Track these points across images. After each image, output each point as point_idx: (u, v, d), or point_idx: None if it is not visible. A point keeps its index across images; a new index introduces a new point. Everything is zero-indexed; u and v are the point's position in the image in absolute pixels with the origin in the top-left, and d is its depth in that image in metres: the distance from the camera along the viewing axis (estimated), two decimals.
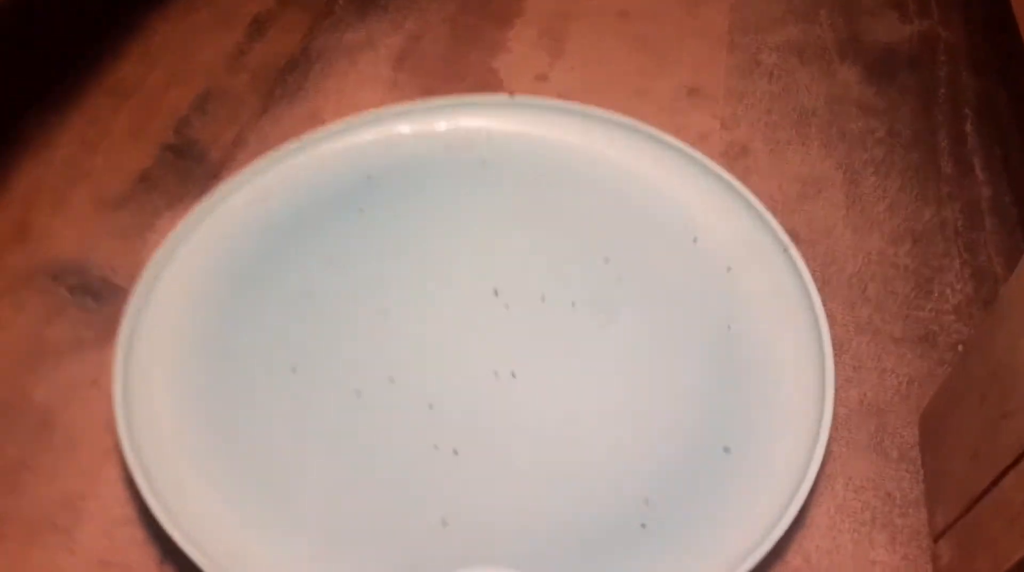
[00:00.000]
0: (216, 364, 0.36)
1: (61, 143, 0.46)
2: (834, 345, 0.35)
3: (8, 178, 0.44)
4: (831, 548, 0.31)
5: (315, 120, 0.47)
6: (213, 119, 0.48)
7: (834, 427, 0.32)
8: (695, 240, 0.40)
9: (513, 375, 0.35)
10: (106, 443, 0.34)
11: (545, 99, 0.45)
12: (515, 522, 0.31)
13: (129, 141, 0.46)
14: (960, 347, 0.37)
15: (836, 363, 0.34)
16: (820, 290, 0.36)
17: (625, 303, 0.38)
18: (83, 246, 0.41)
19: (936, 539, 0.30)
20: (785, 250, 0.38)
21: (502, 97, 0.45)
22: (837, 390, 0.33)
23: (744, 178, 0.43)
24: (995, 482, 0.26)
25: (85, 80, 0.49)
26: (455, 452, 0.33)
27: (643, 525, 0.31)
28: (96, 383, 0.36)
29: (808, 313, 0.35)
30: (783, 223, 0.40)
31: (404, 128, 0.45)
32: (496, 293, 0.38)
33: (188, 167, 0.45)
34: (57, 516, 0.32)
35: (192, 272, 0.38)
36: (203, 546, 0.29)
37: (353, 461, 0.33)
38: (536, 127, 0.45)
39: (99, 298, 0.39)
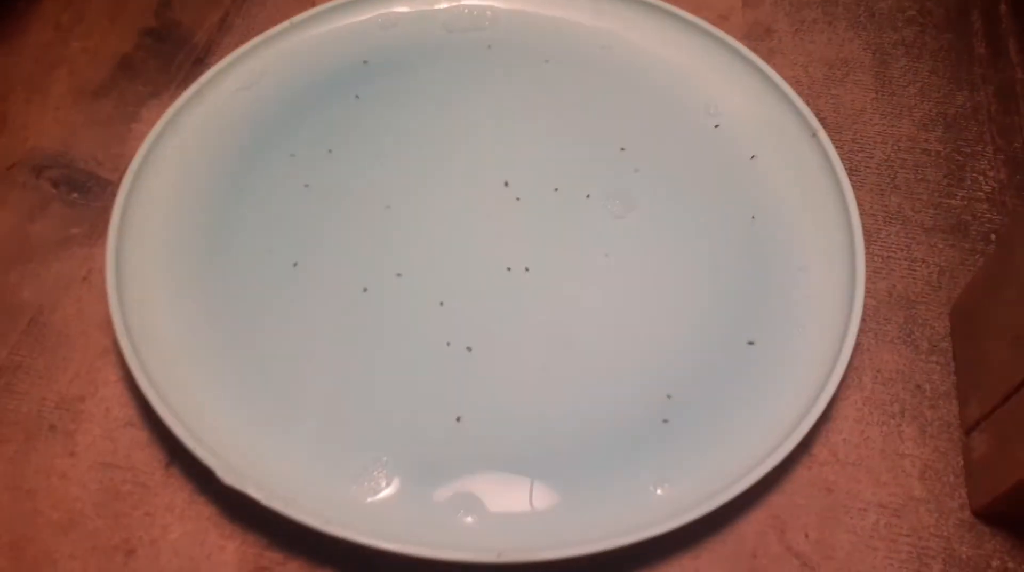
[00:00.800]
0: (213, 259, 0.34)
1: (33, 29, 0.43)
2: (863, 234, 0.33)
3: None
4: (859, 441, 0.30)
5: (304, 2, 0.44)
6: (194, 1, 0.44)
7: (862, 319, 0.31)
8: (717, 126, 0.37)
9: (527, 270, 0.34)
10: (102, 343, 0.32)
11: None
12: (532, 420, 0.30)
13: (106, 25, 0.43)
14: (993, 236, 0.35)
15: (865, 254, 0.32)
16: (848, 178, 0.34)
17: (643, 194, 0.36)
18: (65, 137, 0.39)
19: (968, 431, 0.29)
20: (814, 135, 0.35)
21: None
22: (866, 281, 0.31)
23: (768, 60, 0.40)
24: None
25: None
26: (468, 349, 0.32)
27: (665, 421, 0.30)
28: (87, 280, 0.34)
29: (838, 202, 0.34)
30: (809, 106, 0.38)
31: (401, 7, 0.42)
32: (506, 185, 0.36)
33: (171, 52, 0.42)
34: (56, 419, 0.31)
35: (182, 163, 0.36)
36: (210, 445, 0.28)
37: (363, 358, 0.31)
38: (544, 5, 0.41)
39: (85, 191, 0.37)
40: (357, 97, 0.39)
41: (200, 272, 0.33)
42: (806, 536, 0.28)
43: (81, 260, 0.35)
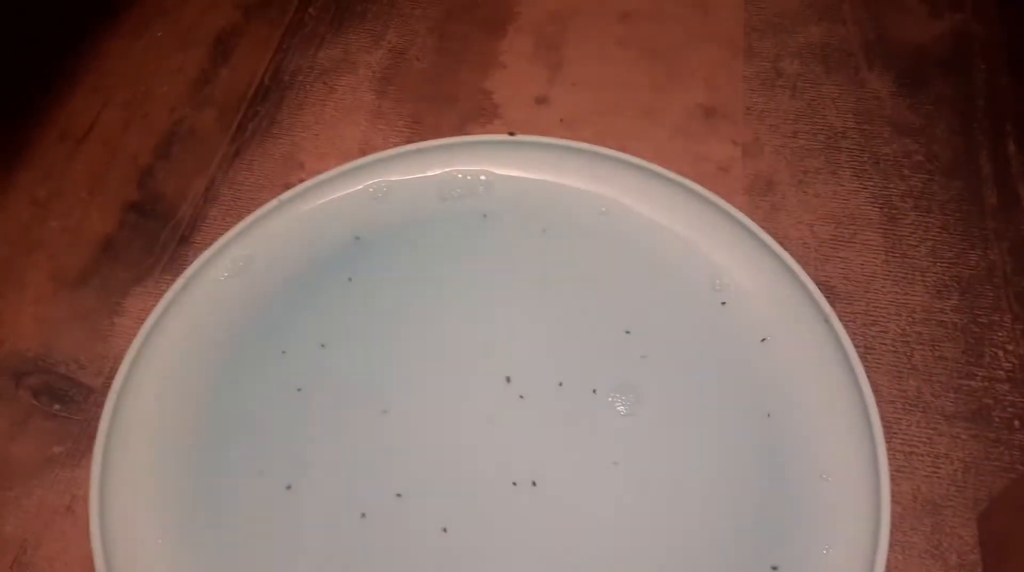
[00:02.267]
0: (204, 486, 0.32)
1: (7, 206, 0.41)
2: (883, 428, 0.31)
3: None
4: None
5: (292, 163, 0.43)
6: (179, 166, 0.43)
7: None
8: (724, 303, 0.36)
9: (533, 484, 0.32)
10: None
11: (546, 138, 0.40)
12: None
13: (86, 199, 0.42)
14: (1017, 423, 0.34)
15: (887, 451, 0.31)
16: (863, 358, 0.33)
17: (651, 387, 0.34)
18: (44, 337, 0.37)
19: None
20: (826, 321, 0.34)
21: (500, 136, 0.41)
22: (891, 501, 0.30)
23: (771, 218, 0.39)
24: None
25: (32, 121, 0.44)
26: None
27: None
28: (71, 510, 0.33)
29: (855, 397, 0.32)
30: (817, 273, 0.37)
31: (393, 175, 0.40)
32: (508, 380, 0.35)
33: (154, 229, 0.40)
34: None
35: (169, 372, 0.34)
36: None
37: None
38: (540, 170, 0.40)
39: (67, 402, 0.35)
40: (350, 279, 0.38)
41: (189, 502, 0.32)
42: None
43: (65, 485, 0.33)
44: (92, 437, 0.33)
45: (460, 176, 0.40)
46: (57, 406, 0.35)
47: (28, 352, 0.36)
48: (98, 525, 0.30)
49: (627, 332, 0.36)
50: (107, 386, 0.34)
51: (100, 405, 0.34)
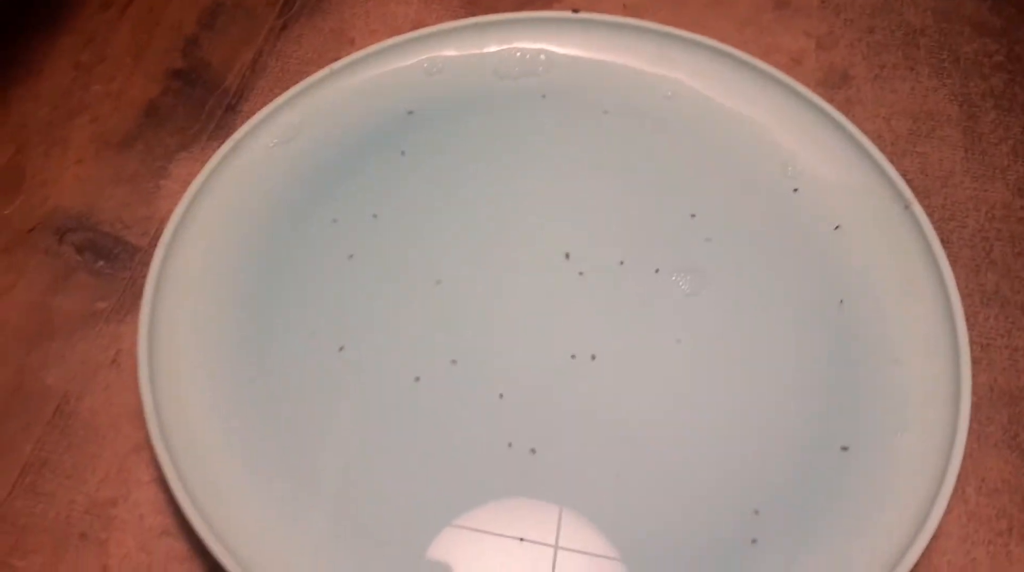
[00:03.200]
0: (252, 343, 0.31)
1: (50, 70, 0.40)
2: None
3: None
4: (964, 563, 0.27)
5: (342, 38, 0.41)
6: (224, 37, 0.41)
7: None
8: (796, 190, 0.34)
9: (593, 357, 0.31)
10: (134, 438, 0.30)
11: (612, 16, 0.38)
12: (601, 537, 0.27)
13: (130, 65, 0.40)
14: None
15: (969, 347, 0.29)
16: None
17: (716, 269, 0.33)
18: (88, 196, 0.36)
19: None
20: (907, 206, 0.32)
21: (563, 13, 0.39)
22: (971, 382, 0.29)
23: (846, 111, 0.37)
24: None
25: None
26: (532, 451, 0.29)
27: (753, 540, 0.27)
28: (116, 363, 0.32)
29: (935, 284, 0.31)
30: (894, 167, 0.35)
31: (448, 51, 0.39)
32: (567, 257, 0.33)
33: (200, 97, 0.39)
34: (87, 526, 0.28)
35: (216, 235, 0.33)
36: (252, 566, 0.26)
37: (417, 462, 0.29)
38: (603, 50, 0.38)
39: (111, 259, 0.34)
40: (403, 153, 0.36)
41: (241, 358, 0.31)
42: None
43: (109, 339, 0.32)
44: (137, 294, 0.32)
45: (519, 55, 0.38)
46: (101, 263, 0.34)
47: (71, 210, 0.35)
48: (147, 376, 0.29)
49: (692, 215, 0.34)
50: (153, 246, 0.33)
51: (145, 264, 0.33)
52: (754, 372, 0.30)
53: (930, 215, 0.34)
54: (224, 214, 0.33)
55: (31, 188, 0.36)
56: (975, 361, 0.31)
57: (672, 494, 0.28)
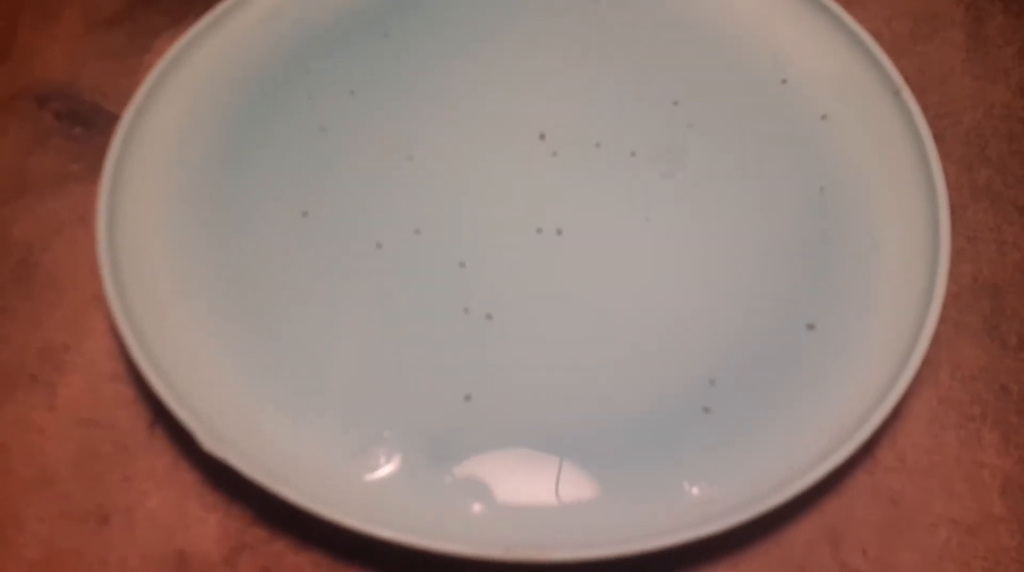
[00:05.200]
0: (215, 203, 0.31)
1: None
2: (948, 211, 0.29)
3: None
4: (931, 446, 0.26)
5: None
6: None
7: (942, 306, 0.27)
8: (784, 81, 0.33)
9: (559, 232, 0.30)
10: (93, 288, 0.30)
11: None
12: (554, 401, 0.27)
13: None
14: None
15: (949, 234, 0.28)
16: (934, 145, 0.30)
17: (695, 153, 0.32)
18: (72, 68, 0.36)
19: None
20: (896, 93, 0.31)
21: None
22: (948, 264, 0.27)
23: (846, 9, 0.36)
24: None
25: None
26: (488, 317, 0.28)
27: (706, 409, 0.26)
28: (83, 220, 0.32)
29: (921, 171, 0.29)
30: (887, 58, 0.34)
31: None
32: (542, 137, 0.32)
33: None
34: (37, 369, 0.28)
35: (189, 100, 0.33)
36: (194, 406, 0.25)
37: (372, 321, 0.28)
38: None
39: (88, 126, 0.34)
40: (386, 35, 0.35)
41: (201, 216, 0.30)
42: (864, 553, 0.25)
43: (79, 198, 0.32)
44: None
45: None
46: (79, 129, 0.34)
47: (55, 80, 0.35)
48: (105, 226, 0.29)
49: (675, 102, 0.33)
50: None
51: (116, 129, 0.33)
52: (722, 251, 0.29)
53: (925, 111, 0.33)
54: (198, 82, 0.33)
55: (18, 59, 0.36)
56: (960, 252, 0.30)
57: (627, 359, 0.27)
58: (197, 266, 0.29)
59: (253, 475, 0.24)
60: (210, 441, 0.24)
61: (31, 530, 0.25)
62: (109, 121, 0.34)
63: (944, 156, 0.32)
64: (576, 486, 0.25)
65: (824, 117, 0.32)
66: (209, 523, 0.25)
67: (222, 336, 0.28)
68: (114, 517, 0.26)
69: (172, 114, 0.32)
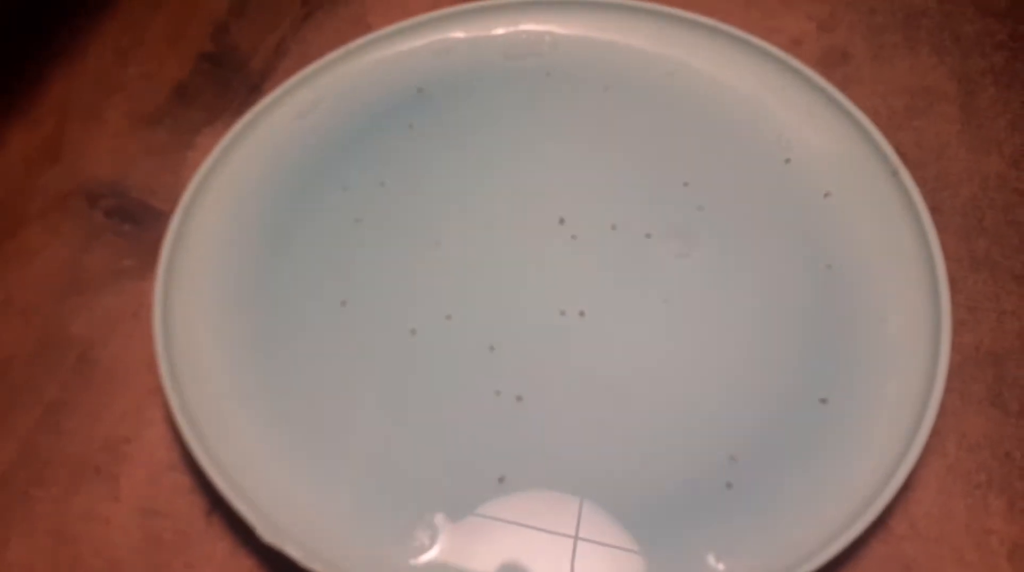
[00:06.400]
0: (261, 296, 0.33)
1: (93, 53, 0.43)
2: (948, 283, 0.30)
3: (38, 91, 0.41)
4: (941, 515, 0.28)
5: (360, 25, 0.43)
6: (252, 25, 0.44)
7: (946, 377, 0.28)
8: (787, 161, 0.35)
9: (581, 314, 0.32)
10: (149, 382, 0.32)
11: None
12: (582, 479, 0.29)
13: (165, 49, 0.43)
14: None
15: (950, 305, 0.30)
16: (931, 219, 0.32)
17: (707, 233, 0.34)
18: (119, 166, 0.38)
19: None
20: (894, 173, 0.33)
21: None
22: (951, 335, 0.29)
23: (844, 89, 0.38)
24: None
25: None
26: (519, 398, 0.30)
27: (728, 485, 0.28)
28: (137, 316, 0.34)
29: (920, 246, 0.31)
30: (889, 141, 0.36)
31: (458, 33, 0.40)
32: (562, 221, 0.34)
33: (227, 78, 0.41)
34: (100, 460, 0.30)
35: (232, 197, 0.35)
36: (251, 498, 0.27)
37: (409, 406, 0.30)
38: (606, 30, 0.40)
39: (138, 223, 0.37)
40: (411, 126, 0.38)
41: (249, 309, 0.33)
42: None
43: (132, 295, 0.34)
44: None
45: (525, 36, 0.40)
46: (128, 226, 0.36)
47: (103, 178, 0.38)
48: (160, 323, 0.31)
49: (685, 184, 0.35)
50: None
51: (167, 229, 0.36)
52: (738, 330, 0.31)
53: (923, 185, 0.35)
54: (241, 180, 0.36)
55: (68, 159, 0.39)
56: (962, 323, 0.32)
57: (651, 436, 0.29)
58: (247, 358, 0.31)
59: (309, 564, 0.25)
60: (267, 531, 0.26)
61: None
62: (156, 217, 0.37)
63: (942, 228, 0.34)
64: (603, 562, 0.27)
65: (827, 195, 0.34)
66: None
67: (273, 425, 0.30)
68: None
69: (217, 213, 0.35)
